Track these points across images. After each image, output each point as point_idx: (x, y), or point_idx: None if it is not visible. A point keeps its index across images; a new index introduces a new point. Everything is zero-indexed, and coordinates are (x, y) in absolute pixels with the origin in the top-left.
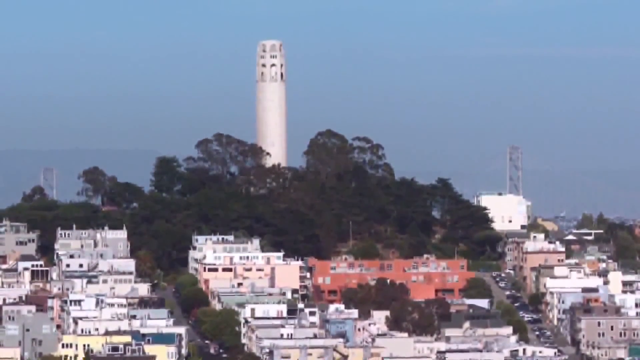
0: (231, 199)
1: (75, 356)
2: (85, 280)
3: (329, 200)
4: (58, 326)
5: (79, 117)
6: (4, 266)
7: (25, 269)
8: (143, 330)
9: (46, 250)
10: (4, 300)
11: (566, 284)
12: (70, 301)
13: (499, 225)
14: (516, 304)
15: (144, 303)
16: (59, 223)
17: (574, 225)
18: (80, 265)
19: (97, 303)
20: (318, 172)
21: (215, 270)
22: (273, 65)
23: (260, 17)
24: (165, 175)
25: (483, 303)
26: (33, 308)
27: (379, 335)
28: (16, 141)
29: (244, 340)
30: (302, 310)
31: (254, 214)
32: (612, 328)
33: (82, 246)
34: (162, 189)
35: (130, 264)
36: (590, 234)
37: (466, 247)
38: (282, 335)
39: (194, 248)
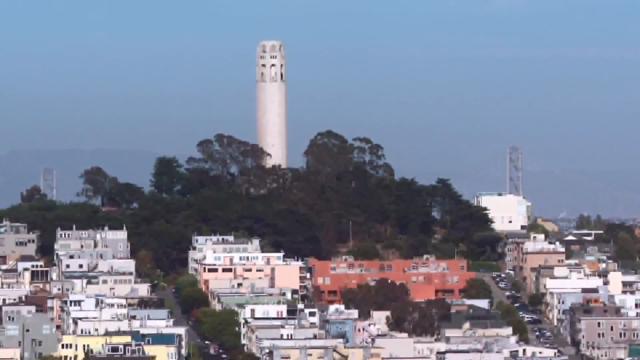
0: (231, 199)
1: (75, 356)
2: (85, 281)
3: (329, 201)
4: (58, 326)
5: (79, 117)
6: (4, 266)
7: (25, 269)
8: (143, 331)
9: (46, 250)
10: (4, 300)
11: (566, 284)
12: (70, 301)
13: (499, 225)
14: (516, 305)
15: (143, 303)
16: (58, 223)
17: (573, 225)
18: (80, 266)
19: (97, 303)
20: (318, 172)
21: (215, 270)
22: (273, 65)
23: (260, 17)
24: (165, 176)
25: (483, 303)
26: (33, 308)
27: (378, 335)
28: (16, 141)
29: (243, 341)
30: (302, 310)
31: (254, 215)
32: (612, 328)
33: (82, 246)
34: (162, 189)
35: (130, 265)
36: (590, 235)
37: (466, 247)
38: (282, 335)
39: (194, 248)
